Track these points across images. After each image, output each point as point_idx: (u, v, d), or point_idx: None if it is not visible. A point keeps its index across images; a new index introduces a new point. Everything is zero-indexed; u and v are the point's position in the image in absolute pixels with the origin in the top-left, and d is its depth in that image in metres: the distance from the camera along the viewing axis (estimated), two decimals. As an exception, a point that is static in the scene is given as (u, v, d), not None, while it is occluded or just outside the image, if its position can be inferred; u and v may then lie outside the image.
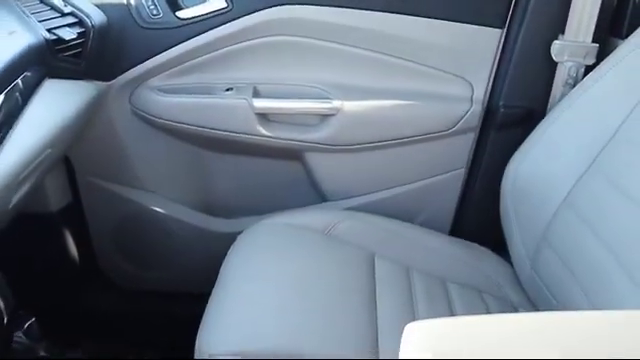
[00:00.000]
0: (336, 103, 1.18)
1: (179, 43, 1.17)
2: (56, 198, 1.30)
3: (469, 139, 1.20)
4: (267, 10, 1.14)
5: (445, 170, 1.24)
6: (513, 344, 0.48)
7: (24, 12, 1.00)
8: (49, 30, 1.01)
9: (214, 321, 0.85)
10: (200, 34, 1.17)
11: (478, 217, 1.25)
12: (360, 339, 0.83)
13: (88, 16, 1.09)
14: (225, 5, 1.15)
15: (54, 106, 1.03)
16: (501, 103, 1.16)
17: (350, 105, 1.18)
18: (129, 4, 1.18)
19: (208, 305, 0.90)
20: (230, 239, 1.11)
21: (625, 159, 0.93)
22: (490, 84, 1.17)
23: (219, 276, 0.98)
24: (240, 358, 0.77)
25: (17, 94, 0.88)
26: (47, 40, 0.98)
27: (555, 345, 0.48)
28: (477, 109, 1.17)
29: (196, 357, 0.80)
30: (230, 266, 1.01)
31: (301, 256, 1.01)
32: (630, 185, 0.88)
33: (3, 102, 0.83)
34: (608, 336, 0.48)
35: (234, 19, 1.15)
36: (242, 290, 0.92)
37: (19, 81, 0.88)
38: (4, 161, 0.83)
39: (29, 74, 0.92)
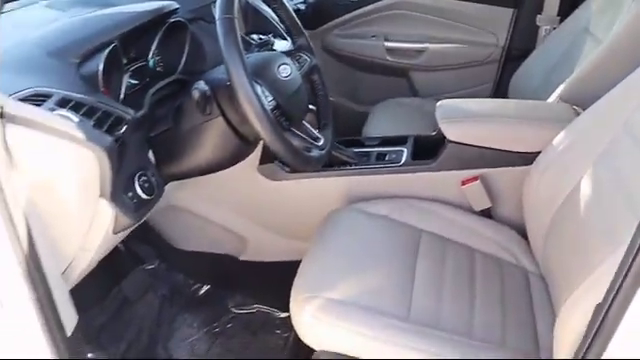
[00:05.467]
0: (426, 45, 2.33)
1: (348, 12, 2.36)
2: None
3: (495, 66, 2.31)
4: (396, -3, 2.31)
5: (481, 83, 2.35)
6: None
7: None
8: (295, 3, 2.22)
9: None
10: (360, 7, 2.35)
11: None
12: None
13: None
14: (374, -7, 2.34)
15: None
16: (513, 46, 2.26)
17: (433, 46, 2.32)
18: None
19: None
20: (365, 115, 2.25)
21: (564, 70, 1.95)
22: (507, 37, 2.27)
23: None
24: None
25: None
26: (295, 10, 2.19)
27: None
28: (499, 50, 2.27)
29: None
30: (371, 119, 2.17)
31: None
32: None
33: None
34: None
35: (378, 0, 2.32)
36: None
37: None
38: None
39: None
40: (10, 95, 1.00)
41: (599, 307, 0.85)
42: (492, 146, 1.51)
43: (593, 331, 0.86)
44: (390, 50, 2.37)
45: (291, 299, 1.24)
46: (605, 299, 0.83)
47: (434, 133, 1.65)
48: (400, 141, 1.71)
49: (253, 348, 1.67)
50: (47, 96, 1.05)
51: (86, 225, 1.09)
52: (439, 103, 1.61)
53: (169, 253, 1.84)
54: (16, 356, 1.06)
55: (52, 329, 1.04)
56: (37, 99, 1.03)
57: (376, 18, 2.36)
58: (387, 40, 2.36)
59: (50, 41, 1.22)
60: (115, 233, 1.16)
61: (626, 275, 0.79)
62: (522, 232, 1.50)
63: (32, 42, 1.21)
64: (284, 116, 1.27)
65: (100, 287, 1.71)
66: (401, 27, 2.35)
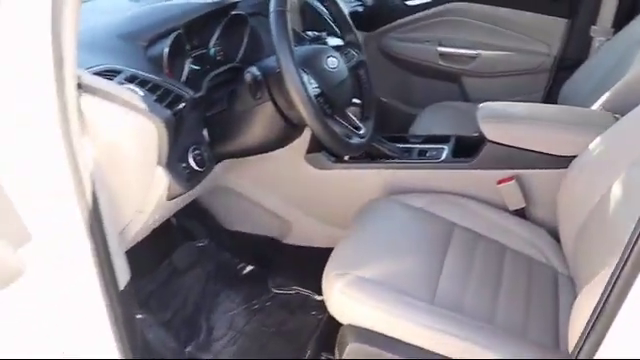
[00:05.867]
0: (479, 51, 2.38)
1: (405, 16, 2.44)
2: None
3: (546, 75, 2.34)
4: (451, 3, 2.37)
5: (532, 91, 2.38)
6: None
7: None
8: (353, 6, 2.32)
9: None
10: (415, 12, 2.42)
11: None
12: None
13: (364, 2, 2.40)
14: (430, 0, 2.40)
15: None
16: (566, 56, 2.29)
17: (485, 53, 2.37)
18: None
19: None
20: (413, 117, 2.32)
21: (614, 80, 1.97)
22: (561, 46, 2.29)
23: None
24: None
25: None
26: (353, 12, 2.28)
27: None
28: (550, 59, 2.30)
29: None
30: (419, 120, 2.24)
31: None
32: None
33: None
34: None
35: (434, 6, 2.39)
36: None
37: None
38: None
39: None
40: (86, 69, 1.14)
41: (598, 302, 0.90)
42: (529, 147, 1.56)
43: (590, 324, 0.91)
44: (443, 55, 2.44)
45: (323, 275, 1.33)
46: (602, 294, 0.89)
47: (476, 134, 1.70)
48: (442, 140, 1.78)
49: (289, 325, 1.77)
50: (117, 72, 1.18)
51: (143, 189, 1.22)
52: (481, 105, 1.67)
53: (218, 232, 1.97)
54: (73, 304, 1.18)
55: (107, 281, 1.16)
56: (109, 74, 1.17)
57: (431, 23, 2.42)
58: (441, 45, 2.43)
59: (122, 26, 1.37)
60: (168, 200, 1.28)
61: (622, 269, 0.84)
62: (555, 234, 1.54)
63: (107, 26, 1.36)
64: (327, 103, 1.38)
65: (153, 258, 1.84)
66: (455, 33, 2.41)
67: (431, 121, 2.18)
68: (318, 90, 1.36)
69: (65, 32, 0.95)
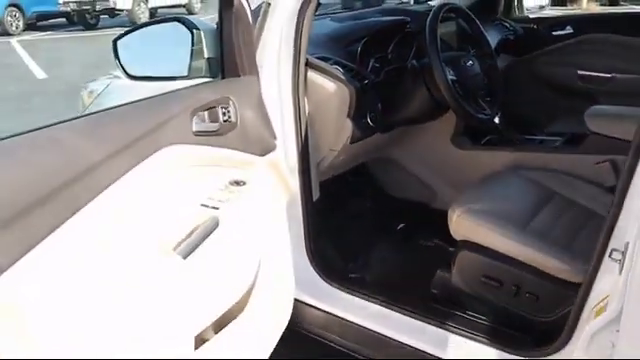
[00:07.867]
0: (613, 74, 2.79)
1: (550, 44, 2.94)
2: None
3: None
4: (591, 34, 2.84)
5: None
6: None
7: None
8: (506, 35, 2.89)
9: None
10: (559, 41, 2.92)
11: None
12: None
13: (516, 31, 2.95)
14: (572, 31, 2.89)
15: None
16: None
17: (619, 76, 2.76)
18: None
19: None
20: None
21: None
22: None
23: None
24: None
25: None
26: (505, 39, 2.85)
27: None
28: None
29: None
30: (551, 125, 2.73)
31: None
32: None
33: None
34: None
35: (576, 36, 2.88)
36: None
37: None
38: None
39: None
40: (311, 55, 1.88)
41: None
42: (622, 137, 2.02)
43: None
44: (582, 77, 2.89)
45: (450, 208, 1.93)
46: None
47: (588, 133, 2.19)
48: (559, 134, 2.29)
49: (425, 265, 2.35)
50: (328, 58, 1.93)
51: (336, 133, 1.93)
52: (592, 107, 2.16)
53: (380, 196, 2.64)
54: (281, 206, 1.86)
55: (306, 190, 1.87)
56: (323, 59, 1.91)
57: (573, 50, 2.90)
58: (580, 68, 2.88)
59: (331, 33, 2.14)
60: (351, 143, 1.97)
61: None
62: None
63: (323, 34, 2.12)
64: (461, 88, 2.00)
65: (332, 205, 2.54)
66: (593, 58, 2.86)
67: (559, 127, 2.67)
68: (454, 78, 1.99)
69: (302, 34, 1.70)
